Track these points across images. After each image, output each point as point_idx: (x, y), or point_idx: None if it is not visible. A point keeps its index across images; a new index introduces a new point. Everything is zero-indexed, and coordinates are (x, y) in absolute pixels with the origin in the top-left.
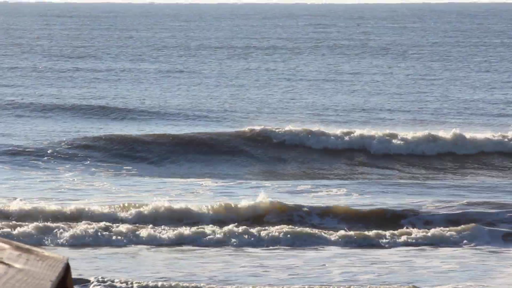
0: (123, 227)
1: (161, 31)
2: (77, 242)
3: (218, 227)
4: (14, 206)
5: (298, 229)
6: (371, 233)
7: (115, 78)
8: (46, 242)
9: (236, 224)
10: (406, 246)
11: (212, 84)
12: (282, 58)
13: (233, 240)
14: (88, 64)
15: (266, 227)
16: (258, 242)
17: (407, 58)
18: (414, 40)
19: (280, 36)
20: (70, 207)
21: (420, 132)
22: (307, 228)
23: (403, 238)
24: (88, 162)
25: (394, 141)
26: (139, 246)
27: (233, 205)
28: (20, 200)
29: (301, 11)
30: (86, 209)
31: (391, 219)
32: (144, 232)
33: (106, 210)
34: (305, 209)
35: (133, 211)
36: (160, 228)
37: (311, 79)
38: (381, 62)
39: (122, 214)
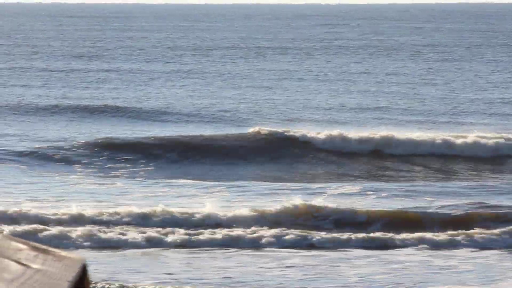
0: (143, 230)
1: (174, 32)
2: (98, 245)
3: (241, 228)
4: (34, 209)
5: (313, 231)
6: (390, 234)
7: (127, 78)
8: (67, 245)
9: (260, 226)
10: (433, 248)
11: (225, 85)
12: (295, 58)
13: (254, 241)
14: (101, 65)
15: (286, 229)
16: (278, 243)
17: (420, 58)
18: (428, 40)
19: (294, 37)
20: (88, 209)
21: (442, 133)
22: (324, 232)
23: (428, 238)
24: (102, 163)
25: (413, 141)
26: (159, 248)
27: (260, 209)
28: (39, 202)
29: (315, 12)
30: (105, 212)
31: (416, 220)
32: (165, 233)
33: (125, 213)
34: (326, 210)
35: (157, 213)
36: (190, 230)
37: (324, 79)
38: (394, 62)
39: (143, 217)
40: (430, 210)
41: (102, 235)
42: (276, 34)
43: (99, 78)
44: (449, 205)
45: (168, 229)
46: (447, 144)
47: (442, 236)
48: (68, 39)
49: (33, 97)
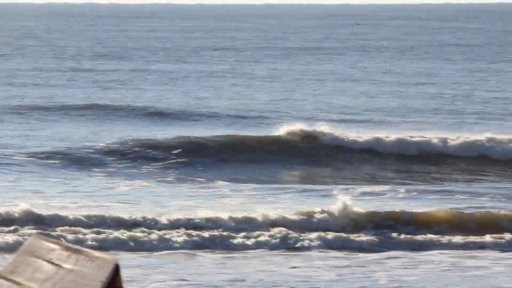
0: (177, 232)
1: (203, 32)
2: (137, 247)
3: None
4: (65, 210)
5: (344, 233)
6: (424, 235)
7: (154, 78)
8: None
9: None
10: (464, 248)
11: (253, 85)
12: (326, 58)
13: (287, 243)
14: (129, 65)
15: (320, 232)
16: (311, 245)
17: (450, 58)
18: (458, 40)
19: (323, 37)
20: (126, 213)
21: (471, 135)
22: (357, 233)
23: (460, 239)
24: (131, 164)
25: (446, 142)
26: (195, 250)
27: (294, 211)
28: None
29: (346, 12)
30: (139, 214)
31: (448, 221)
32: (200, 236)
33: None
34: (360, 212)
35: (190, 216)
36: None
37: (353, 79)
38: (424, 62)
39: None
40: (463, 211)
41: (139, 237)
42: (306, 34)
43: (126, 78)
44: (480, 206)
45: (200, 231)
46: (476, 145)
47: (472, 237)
48: (96, 39)
49: (61, 97)
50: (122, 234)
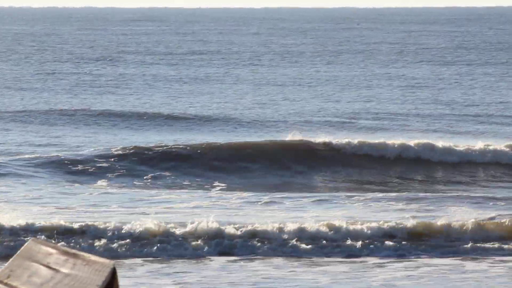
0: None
1: (202, 36)
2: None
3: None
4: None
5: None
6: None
7: (155, 84)
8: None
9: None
10: (462, 254)
11: (253, 90)
12: (325, 62)
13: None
14: (131, 70)
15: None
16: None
17: (454, 62)
18: (461, 43)
19: (323, 40)
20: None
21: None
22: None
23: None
24: (139, 172)
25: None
26: (205, 257)
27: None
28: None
29: (353, 16)
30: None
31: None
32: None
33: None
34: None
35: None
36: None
37: (355, 84)
38: (428, 66)
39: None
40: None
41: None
42: (304, 38)
43: (124, 83)
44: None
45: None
46: (485, 152)
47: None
48: (92, 42)
49: (62, 102)
50: (125, 240)
